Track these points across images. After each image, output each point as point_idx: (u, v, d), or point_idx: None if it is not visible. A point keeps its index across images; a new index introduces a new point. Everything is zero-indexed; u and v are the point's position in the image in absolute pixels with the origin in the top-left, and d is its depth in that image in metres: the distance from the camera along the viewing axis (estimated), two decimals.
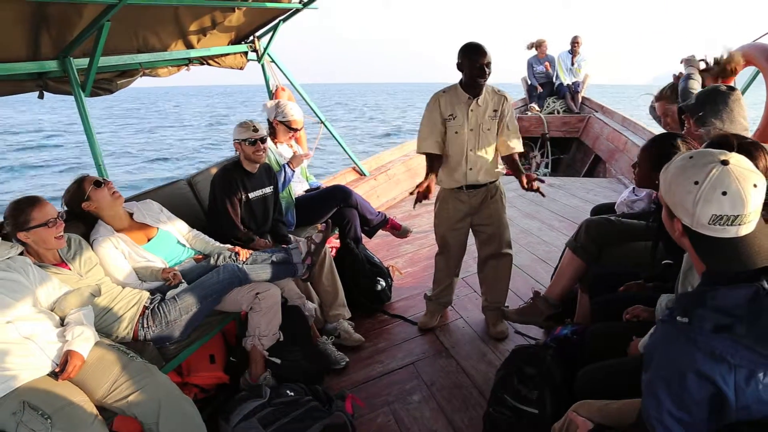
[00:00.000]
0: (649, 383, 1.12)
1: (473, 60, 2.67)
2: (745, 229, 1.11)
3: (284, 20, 4.36)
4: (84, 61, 2.99)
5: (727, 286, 1.09)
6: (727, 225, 1.10)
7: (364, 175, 5.73)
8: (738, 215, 1.09)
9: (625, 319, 1.97)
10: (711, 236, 1.13)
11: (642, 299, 2.01)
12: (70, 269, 2.23)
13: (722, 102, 2.28)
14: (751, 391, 1.01)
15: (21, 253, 2.07)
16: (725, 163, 1.11)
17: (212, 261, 2.70)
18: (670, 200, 1.21)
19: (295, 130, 3.72)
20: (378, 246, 4.41)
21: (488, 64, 2.69)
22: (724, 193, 1.09)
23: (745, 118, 2.32)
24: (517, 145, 2.89)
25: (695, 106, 2.35)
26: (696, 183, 1.12)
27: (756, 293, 1.04)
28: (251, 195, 3.09)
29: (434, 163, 2.90)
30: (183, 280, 2.51)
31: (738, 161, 1.12)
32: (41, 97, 3.03)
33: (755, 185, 1.09)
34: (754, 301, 1.04)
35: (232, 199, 3.00)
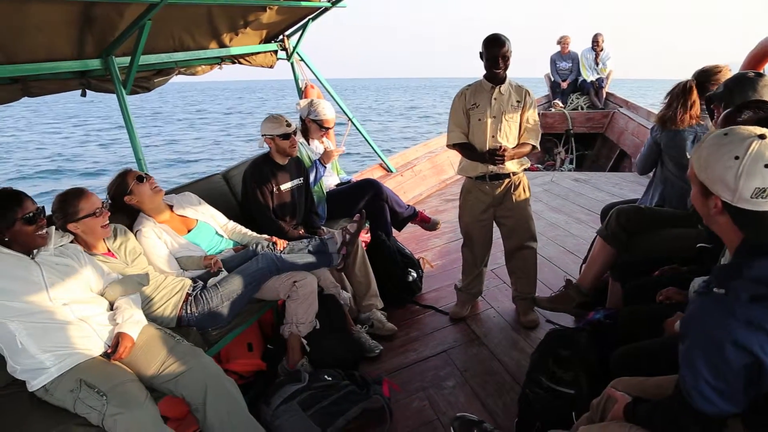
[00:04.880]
0: (686, 354, 1.15)
1: (489, 51, 2.74)
2: None
3: (313, 19, 4.45)
4: (125, 60, 3.09)
5: (763, 257, 1.11)
6: None
7: (391, 171, 5.79)
8: None
9: (658, 301, 1.98)
10: (751, 210, 1.15)
11: (675, 282, 2.02)
12: (116, 258, 2.33)
13: (751, 88, 2.24)
14: None
15: (71, 242, 2.17)
16: (763, 137, 1.14)
17: (251, 248, 2.77)
18: (706, 178, 1.21)
19: (327, 128, 3.81)
20: (407, 240, 4.45)
21: (504, 56, 2.73)
22: (767, 166, 1.11)
23: None
24: (532, 140, 2.89)
25: (724, 94, 2.33)
26: (737, 158, 1.14)
27: None
28: (282, 187, 3.16)
29: (468, 151, 2.94)
30: (223, 269, 2.60)
31: None
32: (84, 95, 3.14)
33: None
34: None
35: (263, 191, 3.08)
